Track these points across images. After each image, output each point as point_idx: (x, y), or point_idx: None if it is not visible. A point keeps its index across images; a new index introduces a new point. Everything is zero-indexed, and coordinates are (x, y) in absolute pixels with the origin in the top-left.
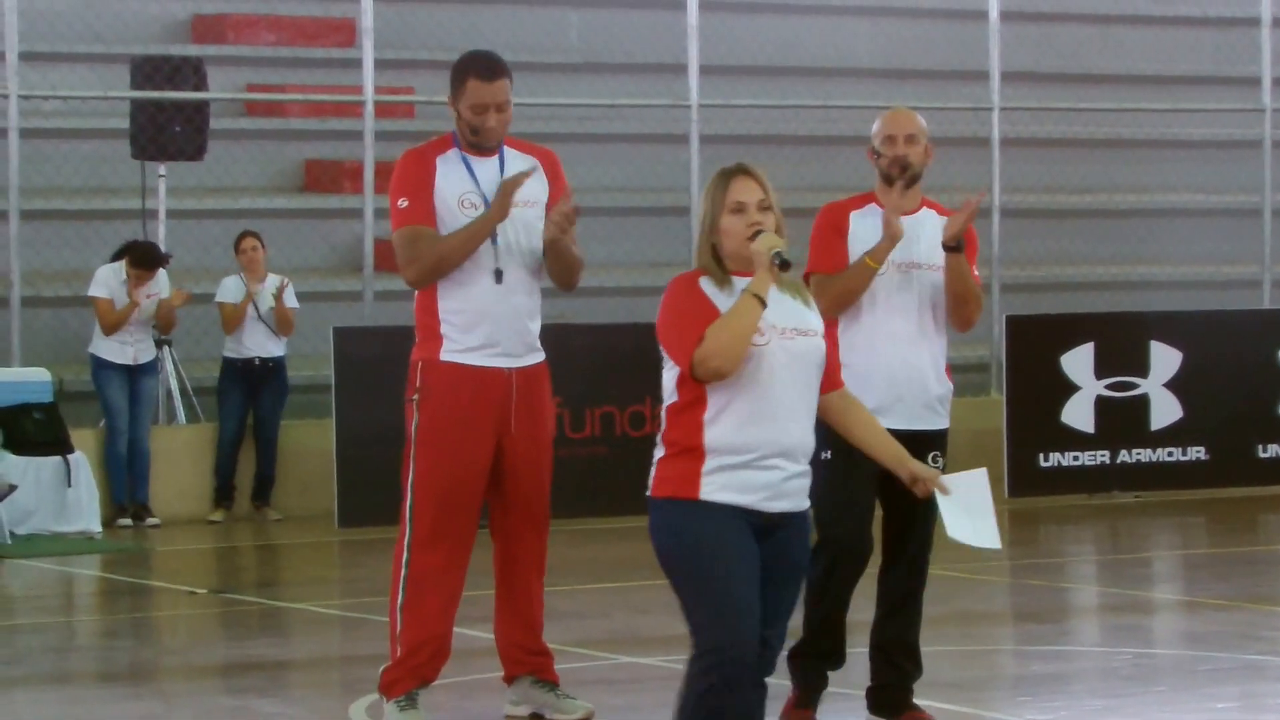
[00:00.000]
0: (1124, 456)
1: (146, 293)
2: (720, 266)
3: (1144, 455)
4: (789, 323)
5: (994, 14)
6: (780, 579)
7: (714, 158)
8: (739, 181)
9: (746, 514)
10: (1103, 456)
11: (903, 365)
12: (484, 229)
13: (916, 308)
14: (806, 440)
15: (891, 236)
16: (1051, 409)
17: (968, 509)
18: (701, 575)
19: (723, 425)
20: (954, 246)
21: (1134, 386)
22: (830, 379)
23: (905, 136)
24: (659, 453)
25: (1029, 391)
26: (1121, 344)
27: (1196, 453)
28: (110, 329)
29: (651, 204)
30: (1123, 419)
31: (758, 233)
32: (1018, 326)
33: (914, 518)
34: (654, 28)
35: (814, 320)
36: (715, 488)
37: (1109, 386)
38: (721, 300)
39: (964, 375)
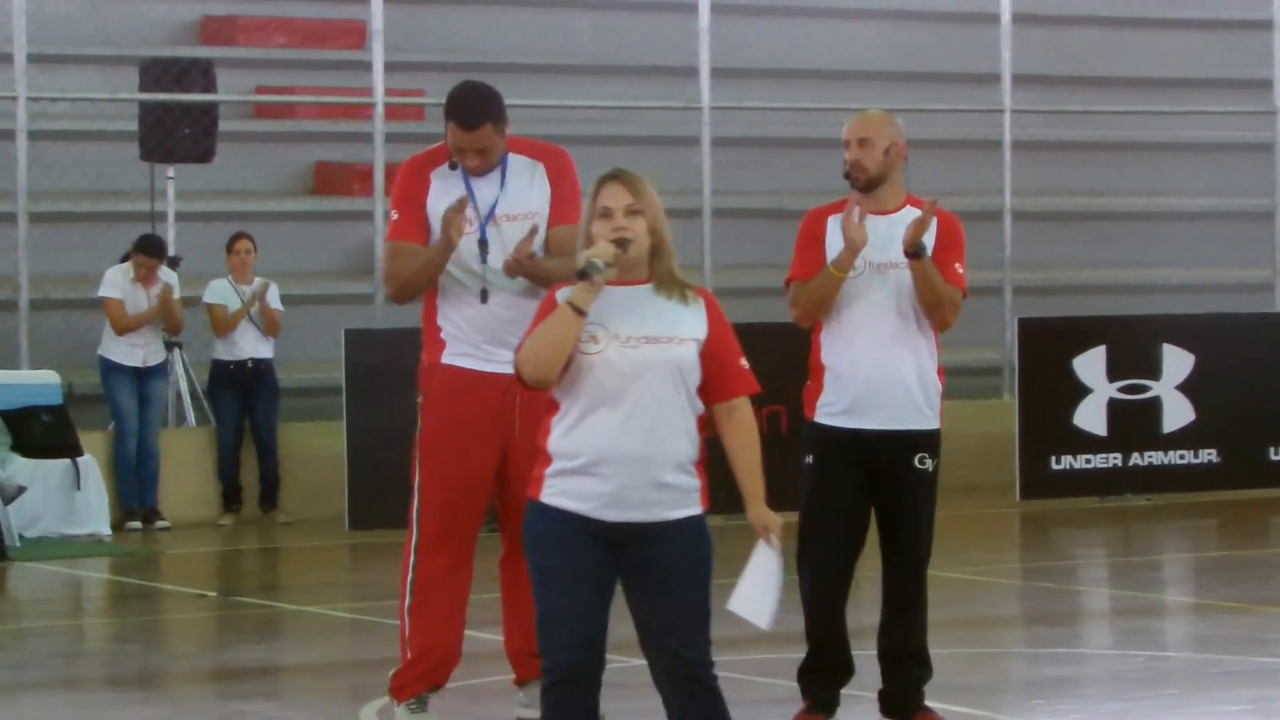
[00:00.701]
0: (1136, 459)
1: (155, 294)
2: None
3: (1156, 458)
4: (639, 330)
5: (1005, 17)
6: (655, 591)
7: (726, 160)
8: (608, 187)
9: (582, 521)
10: (1115, 459)
11: (880, 366)
12: (437, 259)
13: (895, 308)
14: (655, 449)
15: (849, 246)
16: (1063, 412)
17: (770, 576)
18: (536, 579)
19: (560, 430)
20: (914, 253)
21: (1146, 389)
22: (720, 388)
23: (857, 141)
24: None
25: (1041, 394)
26: (1133, 347)
27: (1208, 455)
28: (123, 330)
29: (663, 206)
30: (1135, 422)
31: (620, 240)
32: (1029, 329)
33: (904, 521)
34: (665, 30)
35: (684, 327)
36: (553, 492)
37: (1121, 389)
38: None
39: (975, 378)
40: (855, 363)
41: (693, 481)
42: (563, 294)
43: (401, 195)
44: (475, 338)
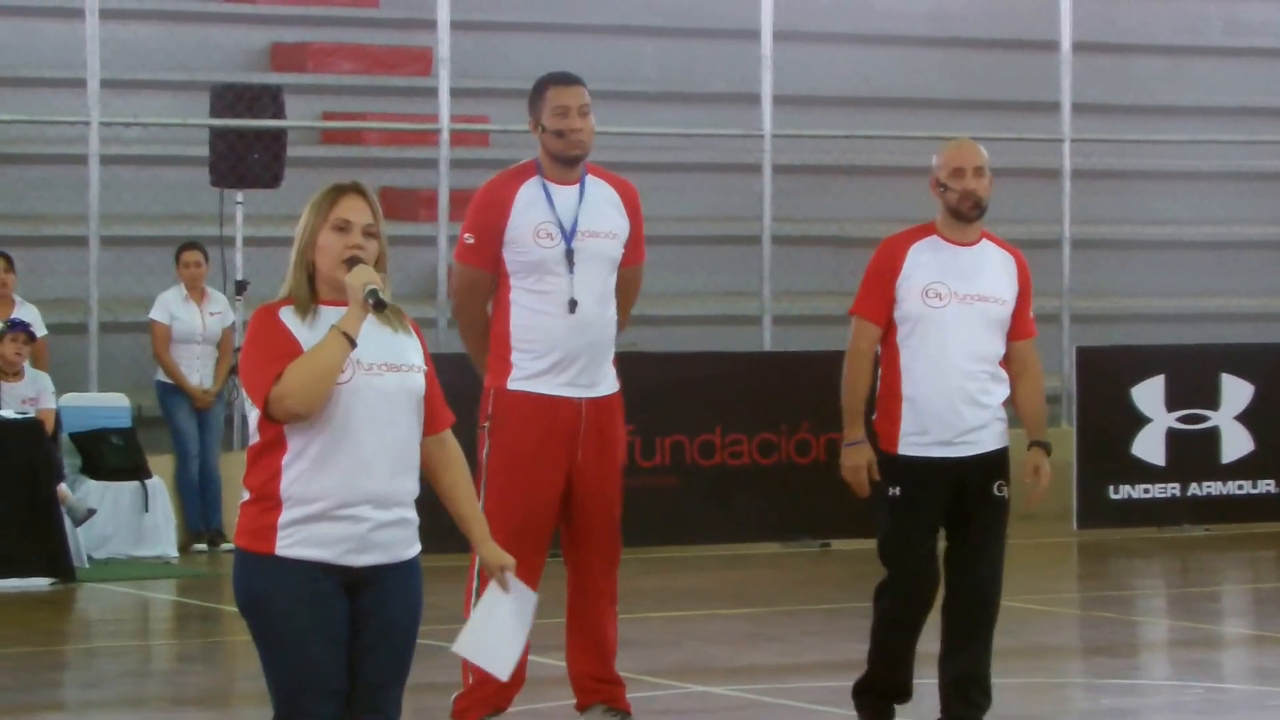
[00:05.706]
0: (1194, 489)
1: (209, 310)
2: (311, 292)
3: (1215, 488)
4: (379, 358)
5: (1066, 45)
6: (379, 638)
7: (787, 187)
8: (350, 199)
9: (328, 569)
10: (1173, 489)
11: (964, 394)
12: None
13: (978, 337)
14: (399, 487)
15: None
16: (1122, 441)
17: (507, 618)
18: (275, 640)
19: (299, 471)
20: None
21: (1205, 419)
22: (432, 420)
23: (974, 169)
24: (243, 497)
25: (1099, 423)
26: (1193, 376)
27: (1267, 486)
28: (159, 356)
29: (724, 233)
30: (1193, 452)
31: (354, 259)
32: (1088, 358)
33: (978, 552)
34: (728, 58)
35: (411, 353)
36: (291, 542)
37: (1180, 419)
38: (304, 333)
39: None
40: (945, 392)
41: (416, 516)
42: (288, 313)
43: (479, 220)
44: (554, 356)
